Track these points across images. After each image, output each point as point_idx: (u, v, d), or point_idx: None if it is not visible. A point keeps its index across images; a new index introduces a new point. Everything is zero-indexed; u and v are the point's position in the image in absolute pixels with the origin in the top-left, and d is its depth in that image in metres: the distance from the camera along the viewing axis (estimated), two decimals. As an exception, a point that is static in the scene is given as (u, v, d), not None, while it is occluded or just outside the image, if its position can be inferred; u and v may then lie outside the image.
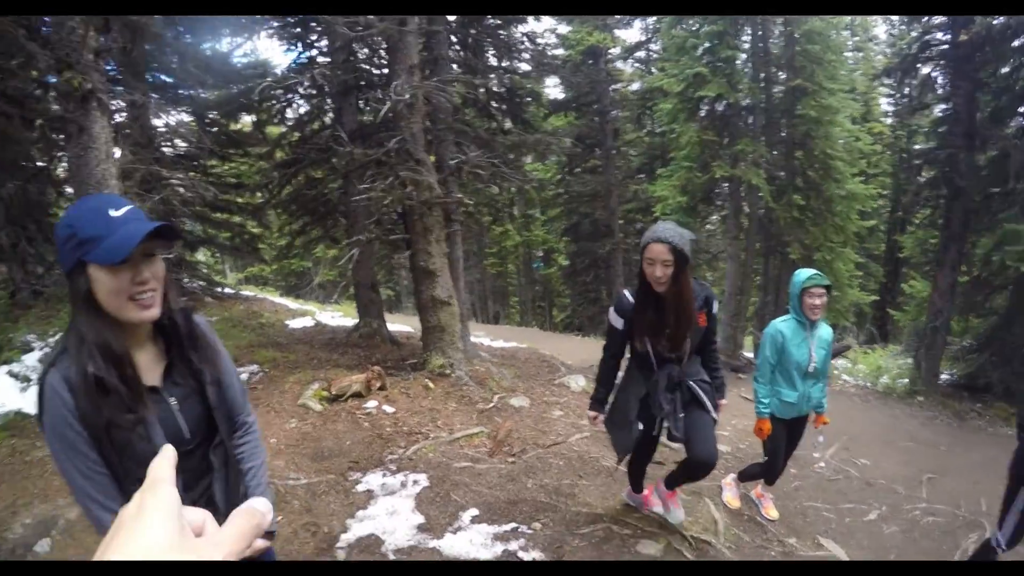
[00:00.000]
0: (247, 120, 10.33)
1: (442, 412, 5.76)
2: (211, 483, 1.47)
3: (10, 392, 5.64)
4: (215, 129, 9.27)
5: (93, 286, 1.21)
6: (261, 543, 1.52)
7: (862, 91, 16.43)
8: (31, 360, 6.24)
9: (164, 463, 0.49)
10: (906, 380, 9.22)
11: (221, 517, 1.34)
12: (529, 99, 9.72)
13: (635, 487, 3.79)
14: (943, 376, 9.57)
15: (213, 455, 1.46)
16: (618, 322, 3.04)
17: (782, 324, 3.61)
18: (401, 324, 11.68)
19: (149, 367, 1.36)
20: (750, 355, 11.28)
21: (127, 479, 1.33)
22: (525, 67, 9.39)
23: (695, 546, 3.56)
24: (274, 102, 8.96)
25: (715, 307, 3.03)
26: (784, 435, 3.81)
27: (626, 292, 3.03)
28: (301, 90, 8.73)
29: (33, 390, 4.62)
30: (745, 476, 4.21)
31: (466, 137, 7.82)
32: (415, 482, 4.32)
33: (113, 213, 1.20)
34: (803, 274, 3.51)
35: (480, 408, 6.04)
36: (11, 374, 5.90)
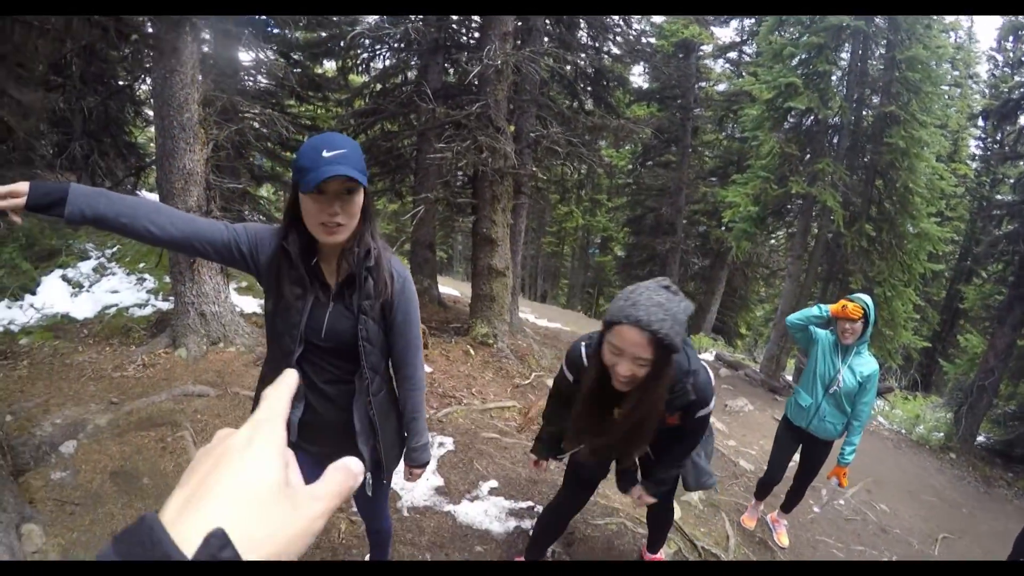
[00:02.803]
0: (330, 66, 10.45)
1: (478, 380, 5.90)
2: (352, 404, 1.77)
3: (61, 295, 5.81)
4: (298, 70, 9.46)
5: (300, 206, 1.50)
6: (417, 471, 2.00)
7: (953, 129, 15.63)
8: (86, 268, 6.39)
9: (282, 395, 0.45)
10: (942, 434, 8.97)
11: (356, 436, 1.75)
12: (615, 83, 9.64)
13: (528, 550, 2.98)
14: (980, 438, 9.28)
15: (358, 380, 1.74)
16: (570, 376, 2.24)
17: (825, 332, 3.59)
18: (449, 287, 11.86)
19: (327, 276, 1.65)
20: (790, 378, 11.11)
21: (274, 334, 1.70)
22: (616, 50, 9.32)
23: (703, 557, 3.63)
24: (361, 51, 9.07)
25: (702, 411, 2.08)
26: (789, 443, 3.82)
27: (583, 347, 2.16)
28: (390, 42, 8.80)
29: (84, 296, 4.94)
30: (757, 493, 4.25)
31: (549, 112, 7.83)
32: (441, 444, 4.43)
33: (326, 153, 1.42)
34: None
35: (516, 383, 6.15)
36: (64, 278, 6.08)
